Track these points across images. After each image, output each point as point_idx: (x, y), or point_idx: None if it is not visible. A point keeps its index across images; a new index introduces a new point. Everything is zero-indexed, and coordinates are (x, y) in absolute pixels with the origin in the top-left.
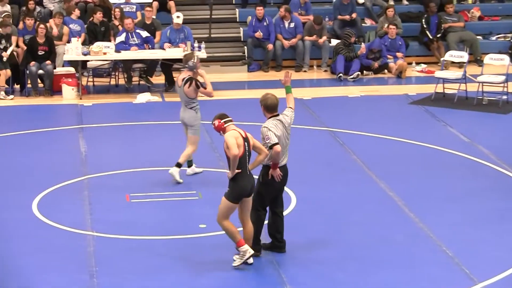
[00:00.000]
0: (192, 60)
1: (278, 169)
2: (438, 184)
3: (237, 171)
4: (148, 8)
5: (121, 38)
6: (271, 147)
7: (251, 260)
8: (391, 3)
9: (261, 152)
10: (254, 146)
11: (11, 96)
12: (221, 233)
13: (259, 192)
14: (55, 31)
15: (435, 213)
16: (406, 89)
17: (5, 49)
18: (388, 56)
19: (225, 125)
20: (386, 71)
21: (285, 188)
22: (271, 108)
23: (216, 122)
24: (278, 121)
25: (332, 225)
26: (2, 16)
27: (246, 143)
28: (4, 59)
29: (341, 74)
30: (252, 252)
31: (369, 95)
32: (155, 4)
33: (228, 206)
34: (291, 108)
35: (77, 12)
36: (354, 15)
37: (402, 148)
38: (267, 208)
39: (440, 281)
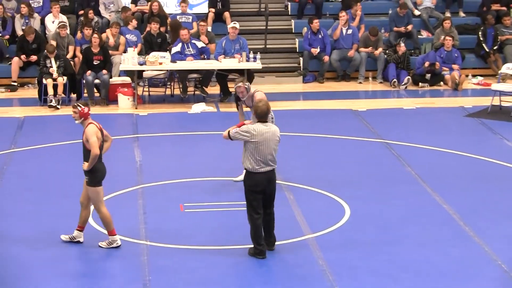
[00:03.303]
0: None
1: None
2: (494, 198)
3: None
4: (202, 23)
5: (176, 48)
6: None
7: (119, 242)
8: (448, 15)
9: (107, 140)
10: (105, 135)
11: (55, 104)
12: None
13: (246, 198)
14: (111, 41)
15: (491, 227)
16: (462, 101)
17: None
18: (444, 68)
19: (88, 116)
20: (442, 83)
21: (339, 200)
22: (259, 115)
23: (86, 109)
24: (264, 126)
25: (386, 237)
26: (58, 26)
27: (102, 135)
28: (54, 75)
29: (395, 80)
30: (120, 243)
31: (424, 107)
32: (211, 15)
33: (96, 191)
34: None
35: (134, 23)
36: (410, 27)
37: (458, 160)
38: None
39: None
